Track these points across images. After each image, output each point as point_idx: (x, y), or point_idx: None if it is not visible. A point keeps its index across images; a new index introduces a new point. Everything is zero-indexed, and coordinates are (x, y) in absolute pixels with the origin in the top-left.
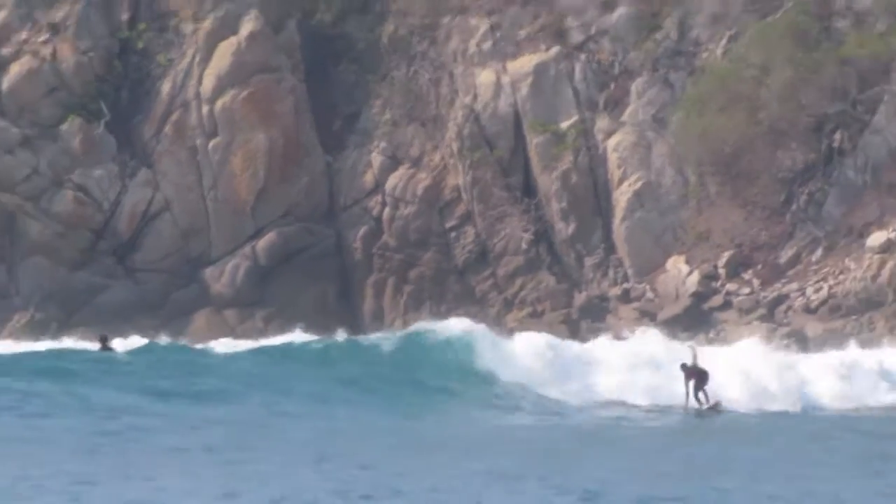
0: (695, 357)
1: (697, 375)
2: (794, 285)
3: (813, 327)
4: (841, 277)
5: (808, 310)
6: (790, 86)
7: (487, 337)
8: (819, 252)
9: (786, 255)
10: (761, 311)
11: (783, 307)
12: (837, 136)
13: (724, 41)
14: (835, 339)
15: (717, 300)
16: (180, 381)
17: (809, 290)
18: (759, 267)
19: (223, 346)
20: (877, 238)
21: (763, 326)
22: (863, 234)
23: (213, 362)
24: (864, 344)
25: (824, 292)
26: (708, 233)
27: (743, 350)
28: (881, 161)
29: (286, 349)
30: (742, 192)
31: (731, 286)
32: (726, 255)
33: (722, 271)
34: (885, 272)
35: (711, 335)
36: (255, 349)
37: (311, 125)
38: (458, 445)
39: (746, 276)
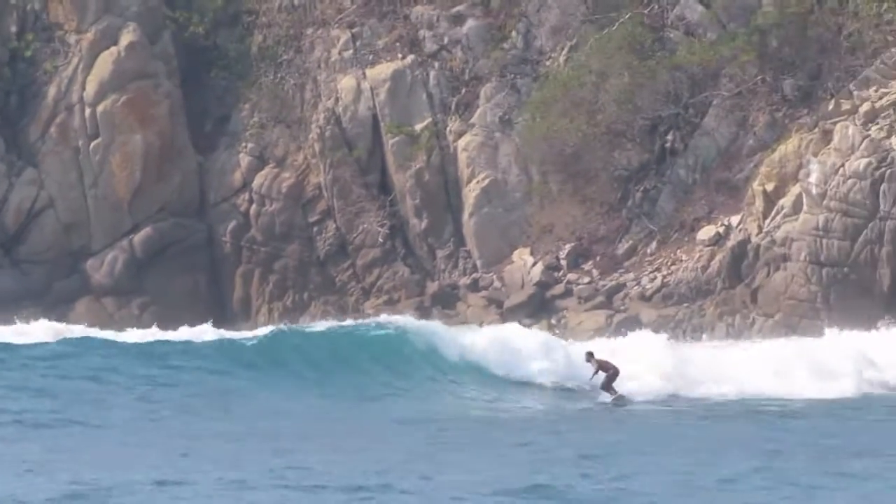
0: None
1: (608, 369)
2: (631, 275)
3: (647, 314)
4: (673, 268)
5: (643, 297)
6: (627, 91)
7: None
8: (653, 245)
9: (622, 247)
10: (600, 298)
11: (620, 295)
12: (670, 137)
13: (565, 50)
14: (667, 325)
15: (559, 289)
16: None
17: (644, 280)
18: (598, 258)
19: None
20: (706, 232)
21: (601, 313)
22: (693, 228)
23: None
24: (695, 329)
25: (658, 281)
26: (551, 227)
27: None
28: (710, 160)
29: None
30: (582, 189)
31: (571, 276)
32: (567, 247)
33: (563, 262)
34: (714, 263)
35: (553, 321)
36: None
37: (185, 128)
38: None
39: (586, 266)
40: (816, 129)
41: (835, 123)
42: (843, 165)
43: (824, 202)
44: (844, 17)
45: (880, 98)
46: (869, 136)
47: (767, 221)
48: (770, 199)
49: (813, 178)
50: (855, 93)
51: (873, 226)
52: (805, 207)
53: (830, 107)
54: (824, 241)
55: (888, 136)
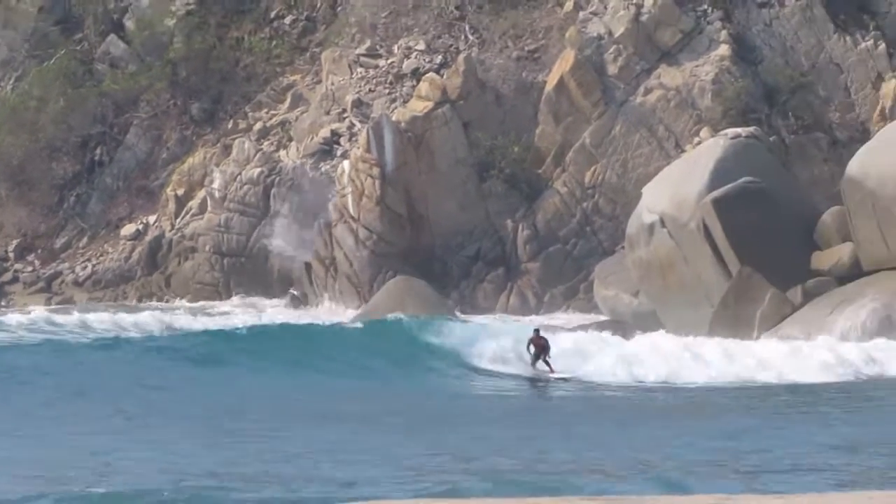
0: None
1: (540, 345)
2: (67, 265)
3: (80, 296)
4: (101, 259)
5: (77, 283)
6: (63, 113)
7: None
8: (85, 240)
9: (60, 241)
10: (41, 284)
11: (58, 281)
12: (98, 151)
13: (12, 80)
14: (95, 305)
15: (7, 276)
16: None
17: (78, 269)
18: (40, 251)
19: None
20: (128, 229)
21: (42, 296)
22: (118, 226)
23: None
24: (119, 308)
25: (89, 270)
26: (1, 226)
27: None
28: (132, 170)
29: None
30: (27, 195)
31: (18, 266)
32: (15, 242)
33: (12, 255)
34: (135, 255)
35: (3, 303)
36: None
37: None
38: None
39: (30, 258)
40: (219, 144)
41: (234, 139)
42: (240, 174)
43: (225, 204)
44: (241, 52)
45: (271, 118)
46: (262, 149)
47: (179, 220)
48: (181, 202)
49: (216, 184)
50: (250, 114)
51: (265, 222)
52: (210, 208)
53: (230, 126)
54: (225, 235)
55: (277, 150)
